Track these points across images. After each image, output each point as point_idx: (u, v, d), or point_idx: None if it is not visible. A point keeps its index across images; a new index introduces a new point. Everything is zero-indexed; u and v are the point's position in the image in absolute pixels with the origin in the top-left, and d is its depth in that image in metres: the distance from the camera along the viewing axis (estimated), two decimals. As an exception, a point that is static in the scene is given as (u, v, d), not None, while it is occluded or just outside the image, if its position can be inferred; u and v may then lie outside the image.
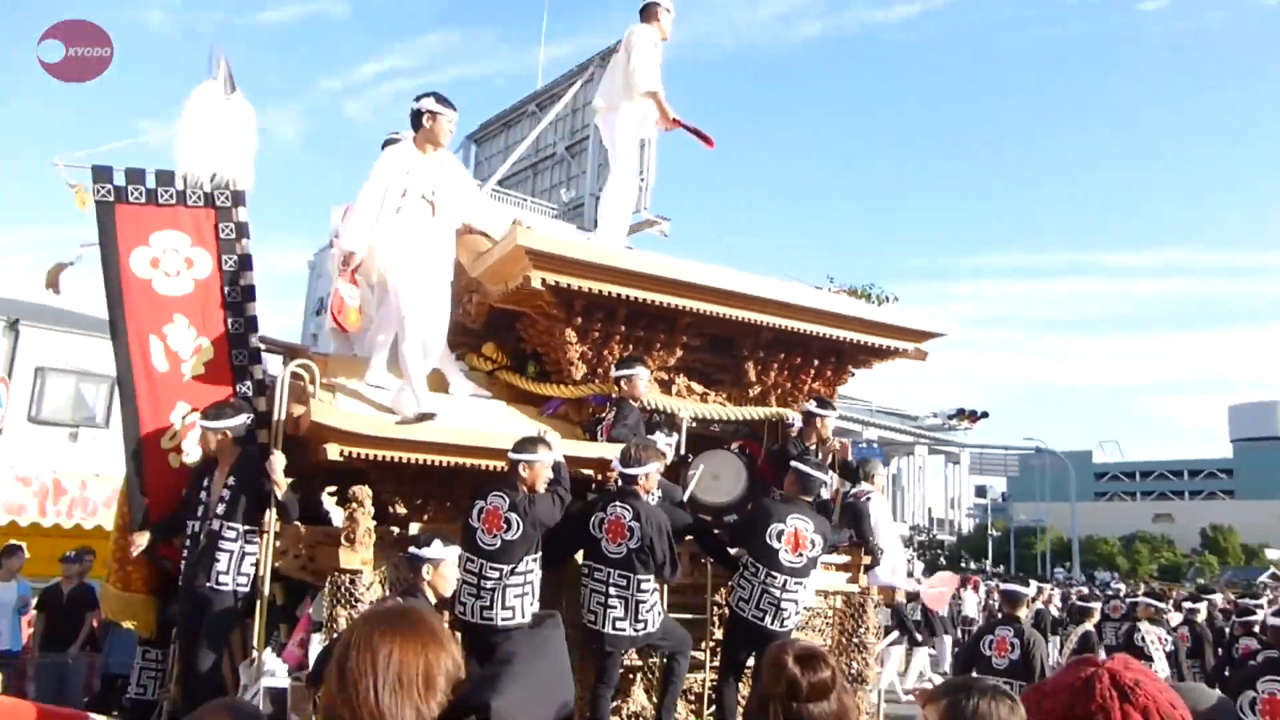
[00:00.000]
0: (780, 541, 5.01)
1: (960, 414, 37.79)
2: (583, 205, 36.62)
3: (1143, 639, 8.04)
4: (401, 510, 5.03)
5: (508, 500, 4.56)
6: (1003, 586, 6.48)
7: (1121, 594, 17.64)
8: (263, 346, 5.27)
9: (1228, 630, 9.21)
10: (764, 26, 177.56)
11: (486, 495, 4.63)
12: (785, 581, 4.99)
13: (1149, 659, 7.71)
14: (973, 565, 39.96)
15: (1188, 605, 10.07)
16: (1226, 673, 7.74)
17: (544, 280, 5.13)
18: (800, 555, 5.03)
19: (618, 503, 4.80)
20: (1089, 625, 8.72)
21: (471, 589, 4.52)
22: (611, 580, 4.74)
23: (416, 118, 5.15)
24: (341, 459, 4.69)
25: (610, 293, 5.33)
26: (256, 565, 4.65)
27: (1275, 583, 40.77)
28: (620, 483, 4.90)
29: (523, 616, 4.49)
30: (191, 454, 4.92)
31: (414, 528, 4.87)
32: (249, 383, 5.10)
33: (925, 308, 5.93)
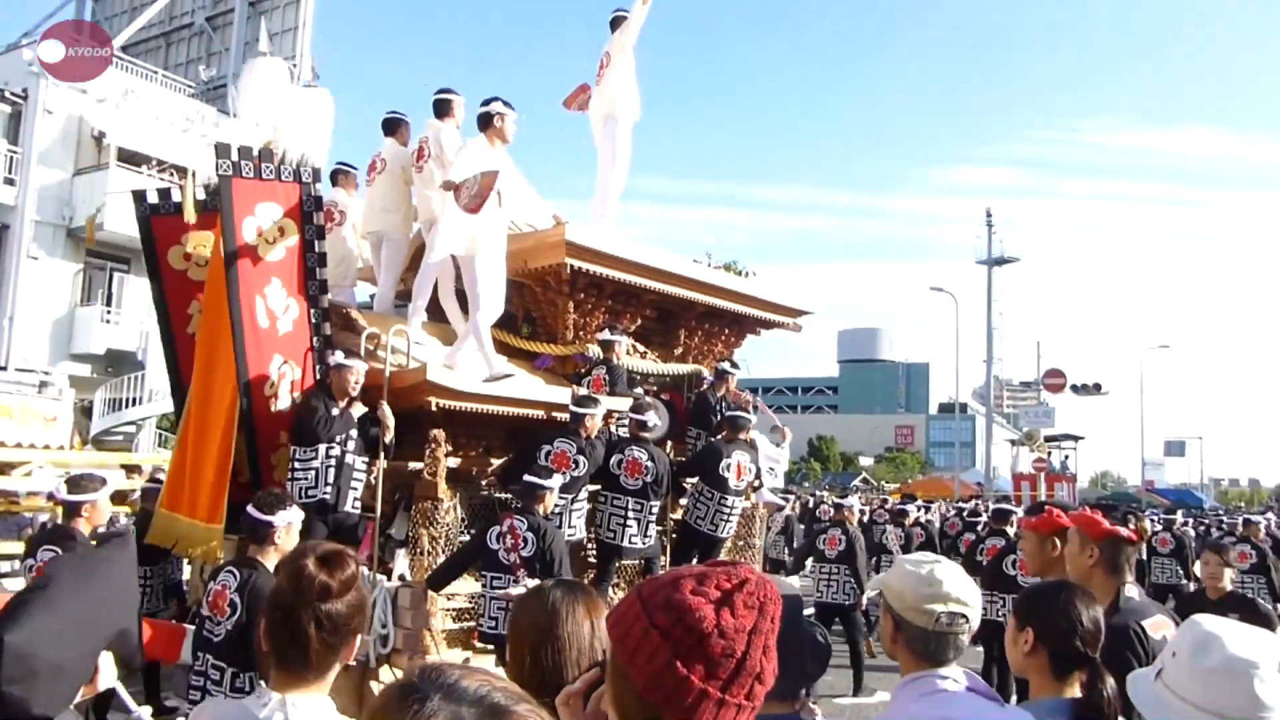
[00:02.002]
0: (730, 472, 7.60)
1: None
2: (225, 87, 35.14)
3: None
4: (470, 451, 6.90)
5: (574, 445, 6.66)
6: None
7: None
8: (327, 305, 6.73)
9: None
10: None
11: (553, 440, 6.68)
12: (733, 501, 7.62)
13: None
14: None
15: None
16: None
17: (572, 266, 7.15)
18: (741, 481, 7.67)
19: (633, 446, 7.07)
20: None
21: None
22: (629, 507, 7.02)
23: (486, 119, 6.81)
24: (434, 409, 6.47)
25: (608, 275, 7.48)
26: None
27: (864, 485, 50.97)
28: (629, 430, 7.16)
29: (582, 533, 6.68)
30: (283, 401, 6.36)
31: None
32: (321, 338, 6.58)
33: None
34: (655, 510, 7.16)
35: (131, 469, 14.69)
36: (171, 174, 27.83)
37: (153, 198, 6.93)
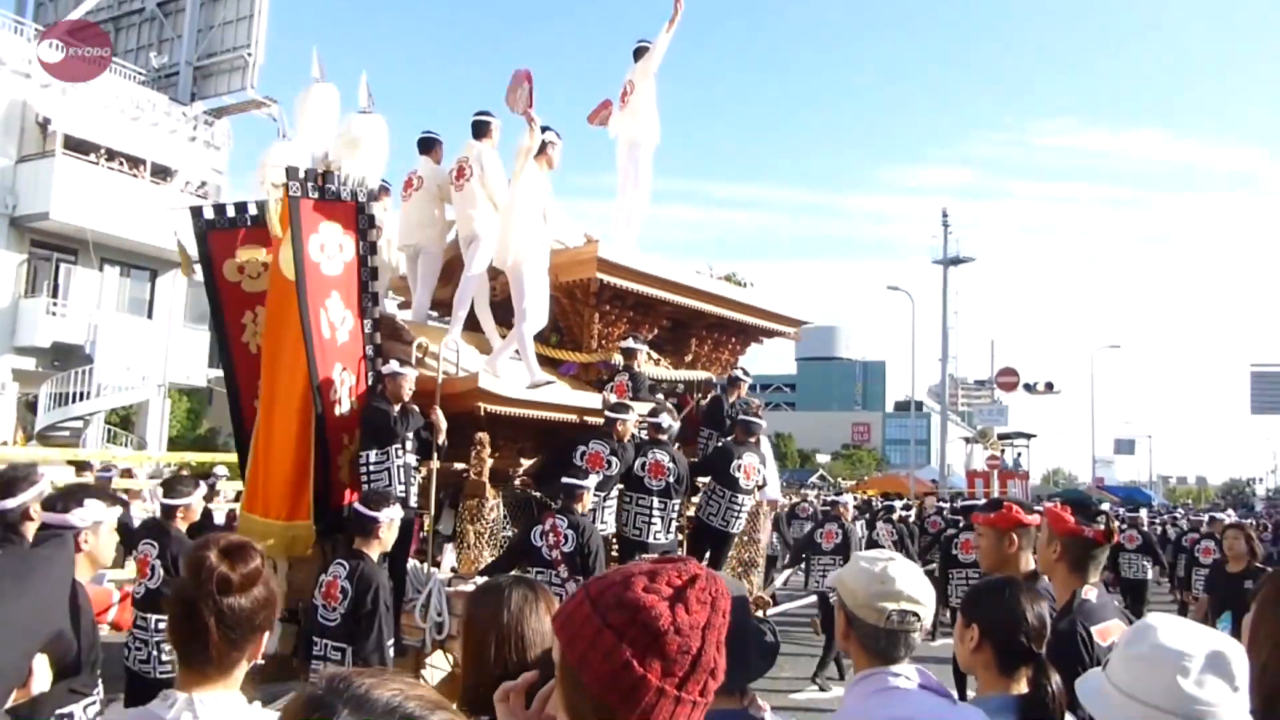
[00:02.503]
0: (740, 473, 8.43)
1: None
2: (177, 74, 34.86)
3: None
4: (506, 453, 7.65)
5: (608, 447, 7.44)
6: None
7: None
8: (378, 316, 7.42)
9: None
10: None
11: (588, 442, 7.45)
12: (743, 500, 8.45)
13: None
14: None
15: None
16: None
17: (601, 281, 7.93)
18: (750, 481, 8.50)
19: (656, 449, 7.86)
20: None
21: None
22: (654, 506, 7.82)
23: (540, 146, 7.54)
24: (482, 414, 7.20)
25: (631, 288, 8.26)
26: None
27: (821, 483, 52.29)
28: (650, 434, 7.95)
29: (612, 529, 7.46)
30: (343, 406, 7.04)
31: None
32: (372, 346, 7.28)
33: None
34: (676, 508, 7.97)
35: (81, 465, 15.08)
36: (121, 163, 27.97)
37: (209, 213, 7.53)
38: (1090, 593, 3.07)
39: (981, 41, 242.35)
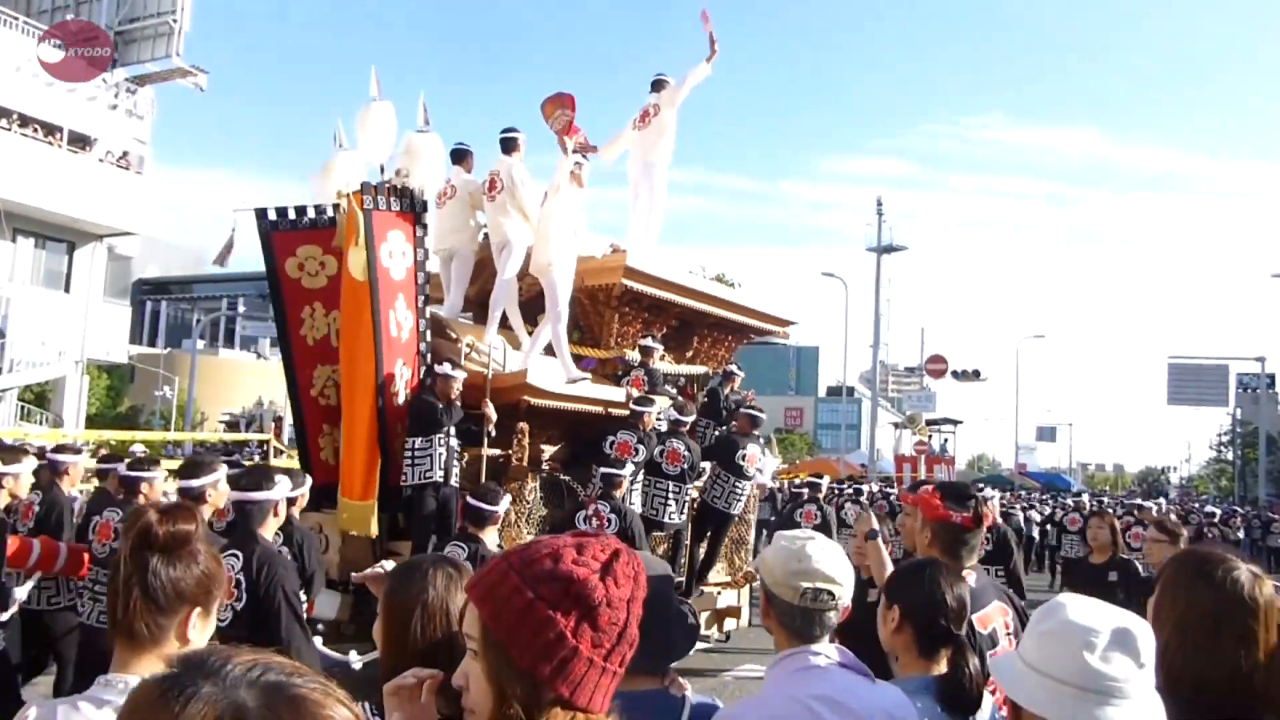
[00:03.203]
0: (744, 460, 9.75)
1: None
2: (96, 38, 34.57)
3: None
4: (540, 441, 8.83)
5: (635, 436, 8.67)
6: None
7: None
8: (430, 317, 8.52)
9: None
10: None
11: (616, 432, 8.67)
12: (744, 485, 9.78)
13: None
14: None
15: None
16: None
17: (627, 286, 9.14)
18: (752, 468, 9.84)
19: (673, 439, 9.13)
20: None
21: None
22: (670, 489, 9.09)
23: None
24: (524, 406, 8.37)
25: (647, 292, 9.50)
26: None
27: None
28: (668, 424, 9.21)
29: (638, 509, 8.72)
30: (400, 398, 8.14)
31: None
32: (425, 344, 8.38)
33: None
34: (689, 492, 9.26)
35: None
36: (36, 130, 27.91)
37: (272, 215, 8.41)
38: (969, 577, 3.11)
39: (923, 34, 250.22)
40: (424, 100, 8.60)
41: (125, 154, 30.55)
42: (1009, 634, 3.20)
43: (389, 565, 2.71)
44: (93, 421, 33.46)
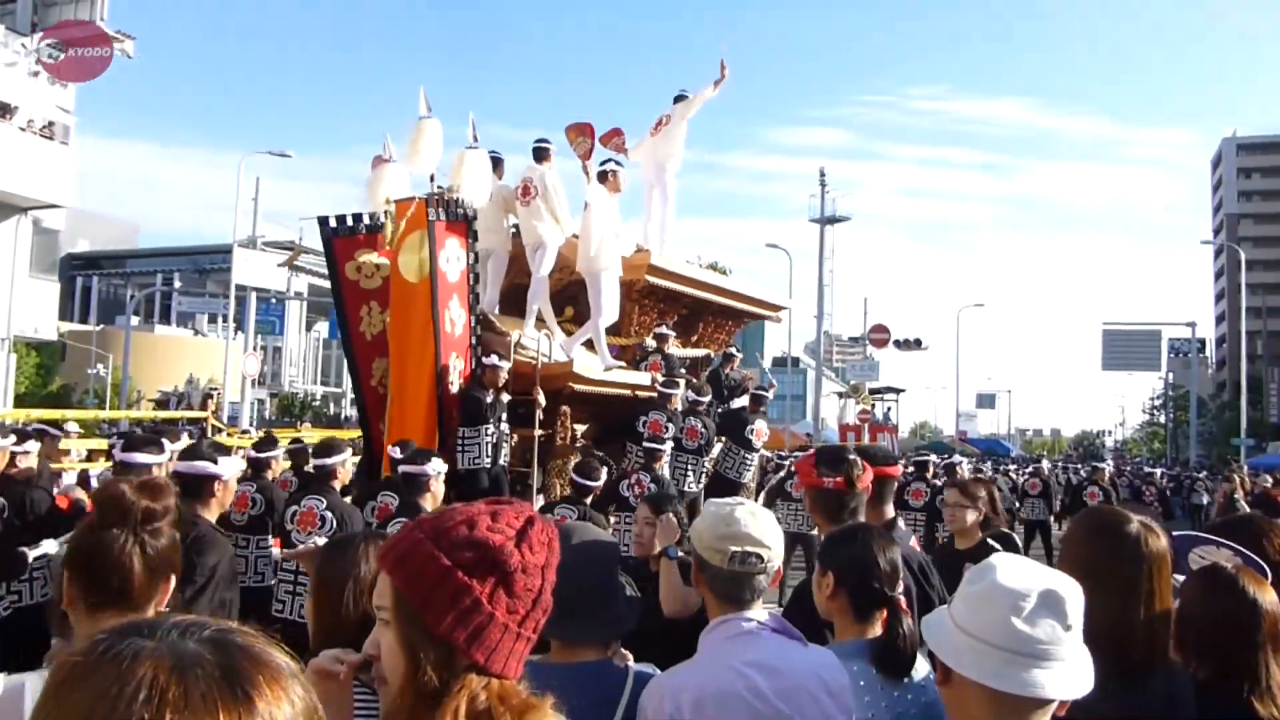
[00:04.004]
0: (752, 435, 11.32)
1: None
2: (15, 2, 34.19)
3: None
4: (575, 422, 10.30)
5: (664, 415, 10.17)
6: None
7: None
8: (479, 314, 9.90)
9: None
10: None
11: (647, 413, 10.16)
12: (752, 457, 11.36)
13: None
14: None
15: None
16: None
17: (649, 281, 10.62)
18: (759, 441, 11.42)
19: (691, 417, 10.65)
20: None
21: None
22: (690, 462, 10.62)
23: (604, 175, 10.11)
24: (567, 391, 9.82)
25: (664, 285, 11.00)
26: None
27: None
28: (688, 404, 10.73)
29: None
30: (455, 388, 9.52)
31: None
32: (476, 338, 9.77)
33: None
34: (706, 464, 10.81)
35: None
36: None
37: (333, 222, 9.77)
38: None
39: (866, 6, 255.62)
40: (473, 119, 9.92)
41: (50, 124, 30.58)
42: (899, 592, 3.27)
43: (320, 542, 2.88)
44: (21, 400, 33.66)
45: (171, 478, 3.68)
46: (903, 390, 52.49)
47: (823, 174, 42.60)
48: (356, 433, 14.54)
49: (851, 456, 3.58)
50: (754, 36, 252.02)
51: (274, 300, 45.83)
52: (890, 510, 4.03)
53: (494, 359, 9.43)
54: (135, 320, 47.68)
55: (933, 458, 14.96)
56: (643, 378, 10.62)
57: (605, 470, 10.16)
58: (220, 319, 46.36)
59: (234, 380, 36.63)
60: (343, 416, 50.11)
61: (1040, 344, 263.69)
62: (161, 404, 41.59)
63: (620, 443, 10.26)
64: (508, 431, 9.53)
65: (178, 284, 54.62)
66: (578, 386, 9.88)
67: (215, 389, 36.04)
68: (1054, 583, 1.79)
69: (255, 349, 43.41)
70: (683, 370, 11.43)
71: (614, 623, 2.53)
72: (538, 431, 9.66)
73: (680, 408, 10.61)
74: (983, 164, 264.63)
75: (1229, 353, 69.28)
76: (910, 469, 13.64)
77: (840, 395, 46.64)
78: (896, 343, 45.34)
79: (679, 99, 11.74)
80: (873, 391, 45.95)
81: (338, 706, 1.65)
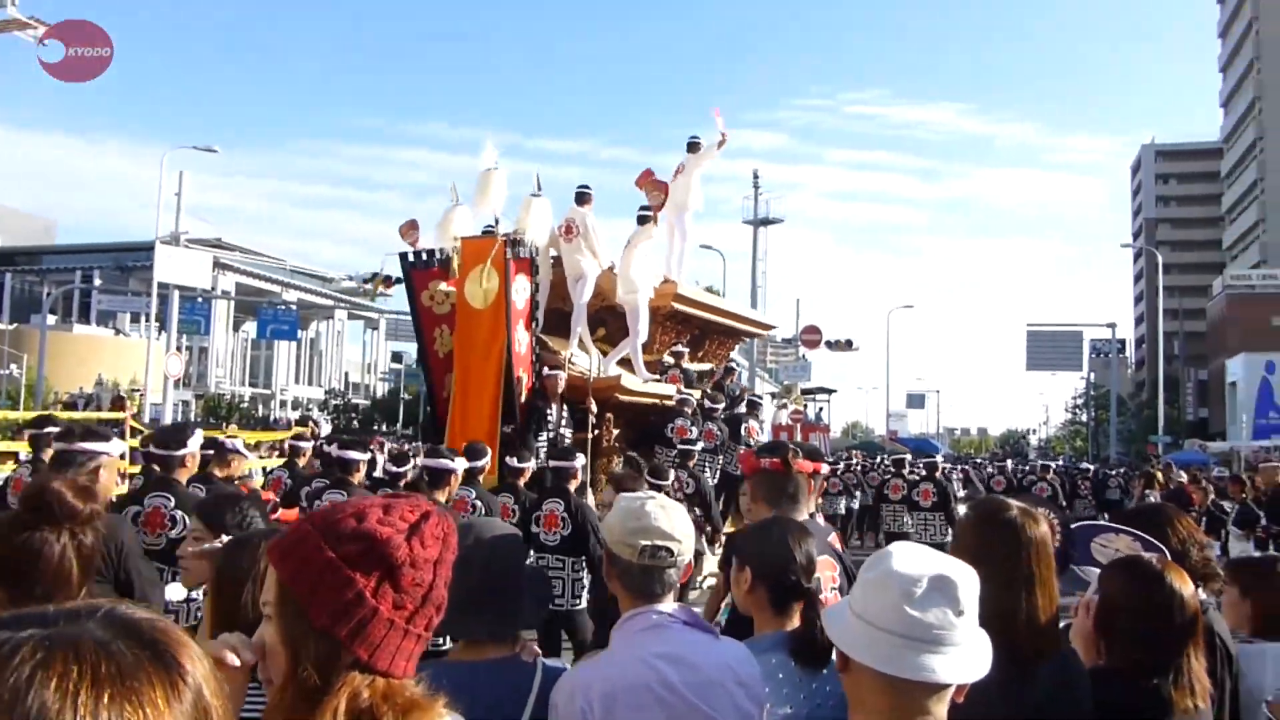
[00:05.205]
0: (746, 433, 13.92)
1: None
2: None
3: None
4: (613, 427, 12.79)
5: (689, 421, 12.70)
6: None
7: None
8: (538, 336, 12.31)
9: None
10: None
11: (674, 419, 12.68)
12: (752, 455, 13.93)
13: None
14: (384, 427, 50.75)
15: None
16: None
17: (675, 308, 13.16)
18: (754, 439, 14.01)
19: (708, 422, 13.21)
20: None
21: (674, 464, 12.65)
22: (707, 461, 13.14)
23: (644, 218, 12.60)
24: (613, 401, 12.30)
25: (684, 310, 13.56)
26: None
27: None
28: (704, 410, 13.28)
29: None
30: (522, 398, 11.93)
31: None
32: (536, 355, 12.18)
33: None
34: (720, 463, 13.39)
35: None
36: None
37: (412, 258, 12.11)
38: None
39: (801, 11, 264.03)
40: (538, 175, 12.34)
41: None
42: (834, 588, 3.49)
43: (221, 542, 2.94)
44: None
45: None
46: (834, 391, 55.75)
47: (756, 176, 45.26)
48: (282, 434, 16.99)
49: (790, 445, 3.92)
50: (694, 40, 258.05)
51: (200, 299, 46.70)
52: (811, 505, 4.17)
53: (553, 371, 11.88)
54: (52, 319, 48.13)
55: (939, 459, 16.60)
56: (669, 389, 13.15)
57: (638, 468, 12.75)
58: (143, 318, 47.11)
59: (156, 381, 37.36)
60: (272, 418, 51.63)
61: (968, 345, 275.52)
62: (70, 405, 42.26)
63: (650, 445, 12.74)
64: (567, 434, 11.96)
65: (98, 281, 54.92)
66: (622, 397, 12.35)
67: (137, 390, 37.00)
68: (946, 568, 1.88)
69: (179, 349, 44.64)
70: (697, 382, 14.01)
71: (514, 619, 2.65)
72: (590, 435, 12.11)
73: (698, 414, 13.18)
74: (916, 169, 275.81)
75: (1148, 353, 74.36)
76: (919, 470, 15.67)
77: (773, 396, 49.48)
78: (828, 344, 47.66)
79: (691, 147, 14.26)
80: (805, 392, 48.47)
81: (234, 695, 1.57)
